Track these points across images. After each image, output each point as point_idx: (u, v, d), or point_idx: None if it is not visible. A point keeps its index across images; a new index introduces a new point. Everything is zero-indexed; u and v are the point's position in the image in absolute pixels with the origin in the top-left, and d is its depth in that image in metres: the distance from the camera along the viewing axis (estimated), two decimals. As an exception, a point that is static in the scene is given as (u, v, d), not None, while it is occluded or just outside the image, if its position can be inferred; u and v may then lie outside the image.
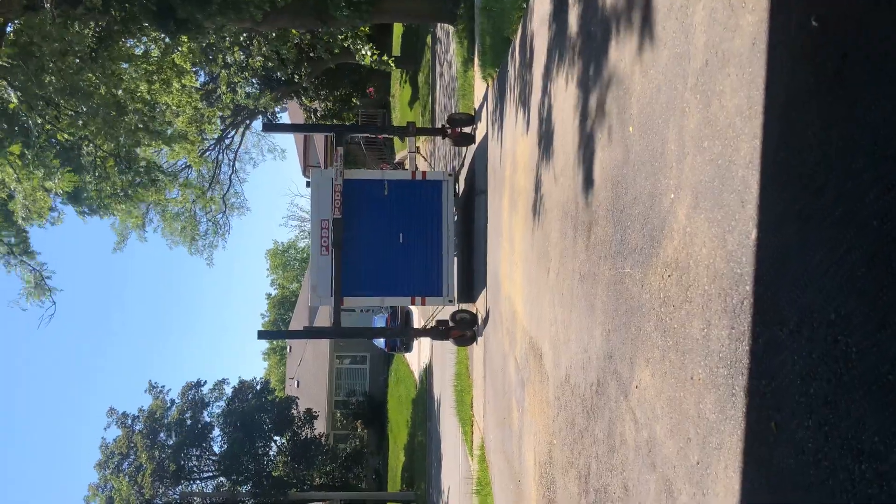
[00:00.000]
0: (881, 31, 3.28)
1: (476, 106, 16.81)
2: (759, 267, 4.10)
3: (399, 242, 15.67)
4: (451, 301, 15.95)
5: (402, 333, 16.87)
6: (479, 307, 15.96)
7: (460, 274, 17.92)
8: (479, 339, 15.39)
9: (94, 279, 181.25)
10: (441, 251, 15.77)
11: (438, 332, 16.32)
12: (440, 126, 17.46)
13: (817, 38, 3.72)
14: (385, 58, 20.81)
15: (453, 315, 16.17)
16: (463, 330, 16.05)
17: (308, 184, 15.82)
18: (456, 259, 16.27)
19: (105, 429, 33.27)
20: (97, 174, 14.43)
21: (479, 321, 15.46)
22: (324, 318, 39.92)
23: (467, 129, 16.94)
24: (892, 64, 3.20)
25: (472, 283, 16.86)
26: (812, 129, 3.70)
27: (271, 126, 16.75)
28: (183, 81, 16.23)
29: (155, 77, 15.39)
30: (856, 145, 3.38)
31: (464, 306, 16.98)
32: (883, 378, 3.12)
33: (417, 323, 28.23)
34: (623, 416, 6.04)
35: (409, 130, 16.95)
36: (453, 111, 20.74)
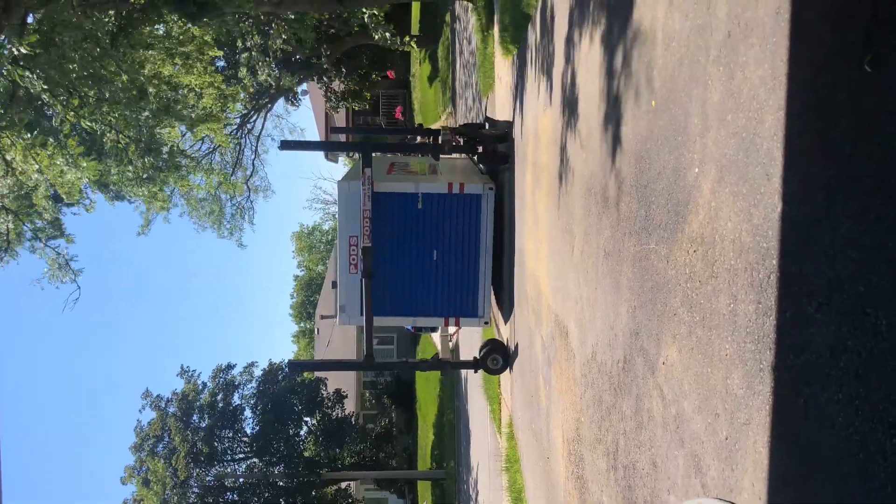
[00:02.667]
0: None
1: (496, 83, 16.65)
2: (785, 240, 4.04)
3: (433, 260, 14.92)
4: (486, 323, 15.35)
5: (436, 367, 16.11)
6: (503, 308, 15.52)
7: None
8: (508, 320, 15.26)
9: (122, 264, 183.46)
10: (478, 270, 14.99)
11: (469, 363, 15.61)
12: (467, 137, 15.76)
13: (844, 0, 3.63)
14: (406, 38, 20.70)
15: (483, 348, 15.34)
16: (494, 359, 15.18)
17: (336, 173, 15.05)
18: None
19: (140, 411, 33.76)
20: (119, 159, 14.48)
21: (511, 351, 14.70)
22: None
23: (501, 148, 15.49)
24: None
25: (500, 264, 16.71)
26: (840, 96, 3.62)
27: (289, 144, 15.50)
28: (204, 59, 16.05)
29: (175, 52, 15.17)
30: (886, 111, 3.30)
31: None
32: (914, 351, 3.07)
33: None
34: (650, 393, 6.01)
35: (443, 149, 15.57)
36: (474, 91, 20.38)
